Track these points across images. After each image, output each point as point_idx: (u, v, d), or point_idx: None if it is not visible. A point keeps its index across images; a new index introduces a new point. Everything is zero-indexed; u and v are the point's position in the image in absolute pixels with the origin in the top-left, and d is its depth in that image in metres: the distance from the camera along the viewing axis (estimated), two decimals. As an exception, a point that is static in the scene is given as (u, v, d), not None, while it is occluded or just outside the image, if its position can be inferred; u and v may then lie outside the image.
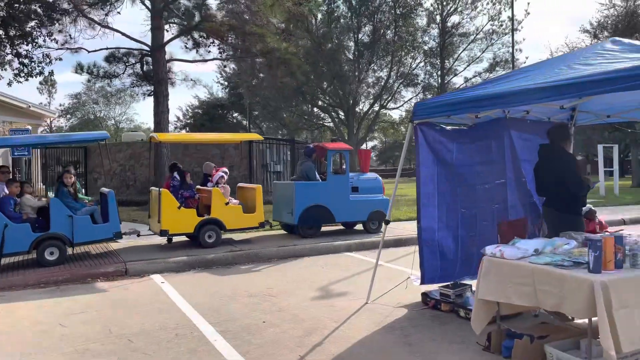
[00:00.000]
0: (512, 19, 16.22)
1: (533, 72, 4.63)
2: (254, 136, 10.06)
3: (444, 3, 26.15)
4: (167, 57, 14.39)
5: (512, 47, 15.59)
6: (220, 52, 16.89)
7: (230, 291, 6.04)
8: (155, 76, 13.49)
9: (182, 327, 4.72)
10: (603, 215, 7.68)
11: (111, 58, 14.54)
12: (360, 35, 26.26)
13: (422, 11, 26.91)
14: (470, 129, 5.70)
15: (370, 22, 25.98)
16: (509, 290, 3.79)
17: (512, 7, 17.37)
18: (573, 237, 4.30)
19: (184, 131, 34.95)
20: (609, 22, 26.18)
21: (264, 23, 12.40)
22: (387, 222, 5.64)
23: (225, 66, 18.51)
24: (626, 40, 4.56)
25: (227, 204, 8.64)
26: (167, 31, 15.34)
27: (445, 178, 5.41)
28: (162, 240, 9.17)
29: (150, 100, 14.72)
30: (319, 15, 25.54)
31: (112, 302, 5.68)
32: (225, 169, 9.88)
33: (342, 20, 25.08)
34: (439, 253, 5.39)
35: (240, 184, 10.18)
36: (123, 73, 14.79)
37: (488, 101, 4.37)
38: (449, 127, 5.55)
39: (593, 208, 5.87)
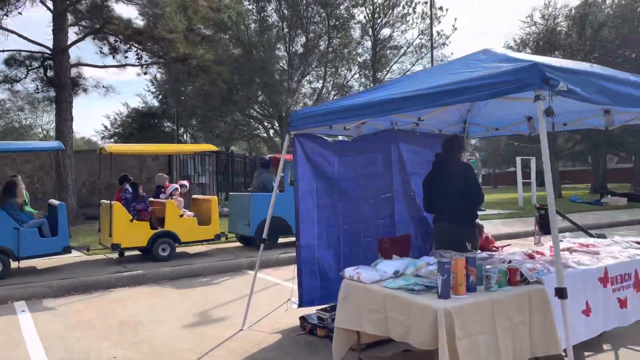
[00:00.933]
0: (430, 33, 16.52)
1: (405, 82, 4.41)
2: (209, 147, 9.88)
3: (376, 16, 26.44)
4: (74, 61, 13.45)
5: (432, 61, 15.79)
6: (137, 58, 16.13)
7: (96, 320, 5.43)
8: (57, 81, 12.55)
9: (13, 368, 4.10)
10: (489, 228, 7.67)
11: (11, 61, 13.43)
12: (293, 46, 26.04)
13: (355, 23, 27.08)
14: (355, 141, 5.43)
15: (303, 33, 25.81)
16: (363, 318, 3.47)
17: (431, 21, 17.67)
18: (443, 255, 4.07)
19: (112, 141, 33.34)
20: (531, 39, 27.39)
21: (174, 28, 11.77)
22: (264, 241, 5.24)
23: (146, 73, 17.66)
24: (497, 51, 4.42)
25: (181, 216, 8.51)
26: (77, 34, 14.45)
27: (326, 193, 5.10)
28: (112, 254, 8.91)
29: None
30: (252, 25, 25.14)
31: (-53, 337, 4.93)
32: (183, 182, 9.69)
33: (274, 30, 24.76)
34: (319, 272, 5.05)
35: (195, 196, 10.00)
36: (25, 77, 13.68)
37: (353, 111, 4.10)
38: (330, 139, 5.26)
39: (480, 222, 5.73)
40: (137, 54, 15.87)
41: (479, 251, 4.27)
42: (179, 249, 9.01)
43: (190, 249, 9.51)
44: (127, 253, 8.91)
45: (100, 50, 15.56)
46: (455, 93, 3.22)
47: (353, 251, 5.25)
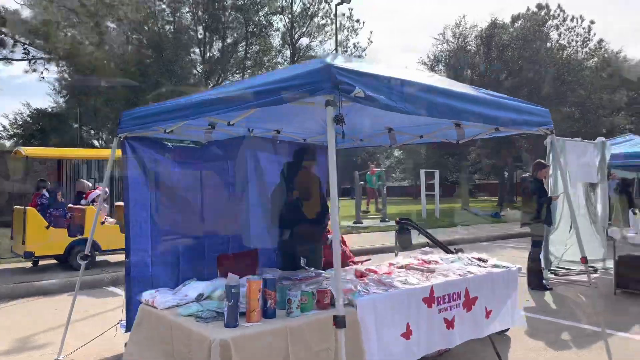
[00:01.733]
0: (335, 41, 16.57)
1: (234, 85, 4.07)
2: None
3: (294, 25, 26.39)
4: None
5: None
6: (25, 53, 14.82)
7: None
8: None
9: None
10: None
11: None
12: (210, 50, 25.34)
13: (274, 31, 26.88)
14: (202, 148, 5.01)
15: (220, 37, 25.21)
16: (155, 350, 3.04)
17: (336, 33, 17.78)
18: (268, 272, 3.73)
19: (11, 142, 30.68)
20: (443, 55, 28.46)
21: (47, 20, 10.80)
22: (85, 258, 4.66)
23: (35, 70, 16.24)
24: (331, 59, 4.20)
25: (102, 223, 8.25)
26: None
27: (163, 204, 4.62)
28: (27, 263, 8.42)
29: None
30: (167, 26, 24.15)
31: None
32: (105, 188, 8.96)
33: (188, 32, 23.95)
34: (153, 293, 4.55)
35: (117, 203, 9.62)
36: None
37: (173, 113, 3.71)
38: (171, 145, 4.80)
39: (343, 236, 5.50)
40: (25, 49, 14.61)
41: (312, 269, 3.98)
42: (99, 257, 8.66)
43: (112, 258, 9.02)
44: (42, 262, 8.50)
45: (-19, 43, 14.15)
46: (252, 96, 2.90)
47: (196, 268, 4.79)
